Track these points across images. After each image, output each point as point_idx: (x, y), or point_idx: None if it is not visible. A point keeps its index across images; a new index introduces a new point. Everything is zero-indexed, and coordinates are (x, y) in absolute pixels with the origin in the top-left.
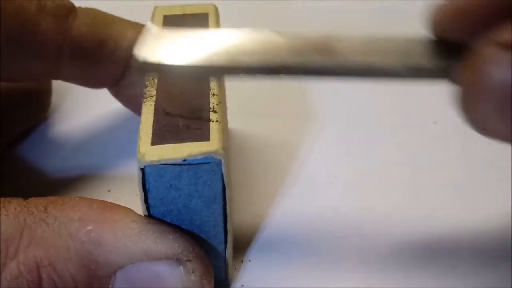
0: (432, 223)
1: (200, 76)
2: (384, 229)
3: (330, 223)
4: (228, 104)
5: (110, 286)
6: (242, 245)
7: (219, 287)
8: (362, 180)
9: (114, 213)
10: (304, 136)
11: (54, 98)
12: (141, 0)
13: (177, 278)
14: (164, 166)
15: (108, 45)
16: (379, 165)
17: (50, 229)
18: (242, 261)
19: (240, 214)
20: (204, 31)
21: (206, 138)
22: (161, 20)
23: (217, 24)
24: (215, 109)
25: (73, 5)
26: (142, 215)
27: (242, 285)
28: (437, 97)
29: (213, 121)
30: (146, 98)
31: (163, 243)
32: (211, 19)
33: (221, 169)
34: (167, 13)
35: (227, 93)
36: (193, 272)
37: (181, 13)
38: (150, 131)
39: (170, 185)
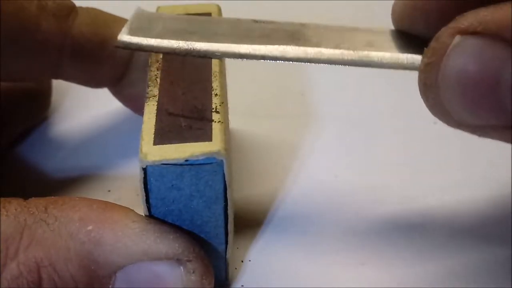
0: (432, 223)
1: (175, 53)
2: (384, 229)
3: (330, 223)
4: (229, 105)
5: (110, 286)
6: (242, 245)
7: (219, 287)
8: (362, 180)
9: (114, 213)
10: (304, 136)
11: (54, 98)
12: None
13: (178, 278)
14: (166, 166)
15: (108, 44)
16: (379, 165)
17: (50, 229)
18: (242, 261)
19: (240, 214)
20: (183, 15)
21: (208, 138)
22: None
23: None
24: (217, 110)
25: (73, 5)
26: (143, 215)
27: (242, 285)
28: None
29: (215, 122)
30: (149, 98)
31: (164, 243)
32: None
33: (223, 170)
34: (170, 12)
35: (229, 93)
36: (193, 272)
37: (184, 13)
38: (152, 131)
39: (172, 185)
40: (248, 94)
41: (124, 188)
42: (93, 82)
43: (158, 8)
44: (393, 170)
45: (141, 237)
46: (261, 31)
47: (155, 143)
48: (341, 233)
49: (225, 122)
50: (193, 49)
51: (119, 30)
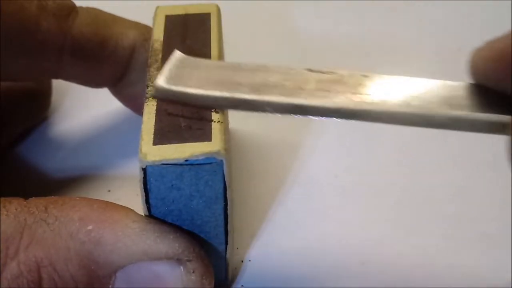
0: (432, 222)
1: (220, 107)
2: (384, 229)
3: (330, 223)
4: None
5: (110, 286)
6: (242, 245)
7: (219, 287)
8: (362, 180)
9: (114, 213)
10: (305, 136)
11: (54, 98)
12: (142, 0)
13: (178, 278)
14: (166, 166)
15: (109, 44)
16: (379, 165)
17: (50, 229)
18: (242, 261)
19: (240, 214)
20: (230, 62)
21: (208, 138)
22: (163, 19)
23: (219, 24)
24: (216, 110)
25: (74, 5)
26: (143, 215)
27: (242, 285)
28: None
29: (215, 122)
30: (148, 98)
31: (164, 243)
32: (213, 19)
33: (223, 170)
34: (169, 13)
35: None
36: (193, 272)
37: (183, 13)
38: (152, 131)
39: (172, 185)
40: None
41: (124, 188)
42: (93, 82)
43: (157, 8)
44: (393, 170)
45: (141, 237)
46: (318, 83)
47: (154, 143)
48: (341, 233)
49: (224, 122)
50: (243, 100)
51: (119, 30)
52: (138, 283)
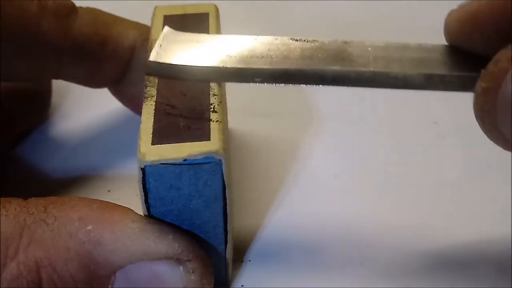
0: (431, 222)
1: (211, 79)
2: (384, 229)
3: (330, 223)
4: (228, 104)
5: (110, 286)
6: (242, 245)
7: (219, 287)
8: (362, 180)
9: (114, 213)
10: (305, 136)
11: (54, 98)
12: (142, 0)
13: (177, 278)
14: (165, 166)
15: (109, 44)
16: (379, 165)
17: (50, 229)
18: (242, 261)
19: (240, 214)
20: (218, 36)
21: (207, 138)
22: (161, 19)
23: (218, 24)
24: (215, 109)
25: (74, 5)
26: (142, 215)
27: (242, 285)
28: (437, 97)
29: (213, 121)
30: (147, 98)
31: (163, 243)
32: (212, 19)
33: (222, 169)
34: (168, 13)
35: (227, 93)
36: (193, 272)
37: (181, 13)
38: (151, 131)
39: (171, 185)
40: (248, 94)
41: (124, 188)
42: (94, 82)
43: (155, 8)
44: (393, 170)
45: (140, 237)
46: (301, 51)
47: (153, 143)
48: (341, 233)
49: (223, 121)
50: (232, 70)
51: (119, 30)
52: (138, 283)
